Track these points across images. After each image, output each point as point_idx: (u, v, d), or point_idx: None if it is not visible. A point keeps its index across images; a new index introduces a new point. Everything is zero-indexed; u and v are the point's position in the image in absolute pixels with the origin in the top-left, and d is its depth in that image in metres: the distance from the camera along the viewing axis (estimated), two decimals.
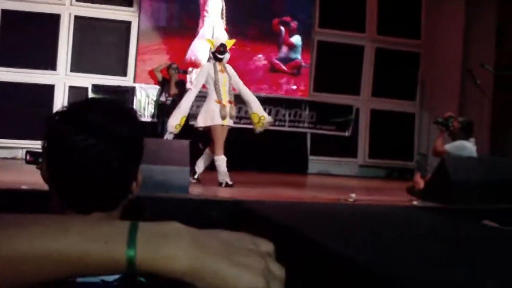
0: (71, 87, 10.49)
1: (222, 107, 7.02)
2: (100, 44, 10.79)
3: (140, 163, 1.17)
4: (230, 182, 6.94)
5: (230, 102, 7.13)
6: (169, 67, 9.43)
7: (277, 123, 10.98)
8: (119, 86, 10.57)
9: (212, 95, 7.11)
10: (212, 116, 7.02)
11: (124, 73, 10.87)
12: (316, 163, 11.88)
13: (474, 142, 7.32)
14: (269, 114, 10.91)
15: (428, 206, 6.12)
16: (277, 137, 10.88)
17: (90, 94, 9.99)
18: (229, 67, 7.35)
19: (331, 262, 3.04)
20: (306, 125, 11.67)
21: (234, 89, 7.38)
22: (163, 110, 9.16)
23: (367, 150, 12.35)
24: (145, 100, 10.52)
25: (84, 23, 10.73)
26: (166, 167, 5.42)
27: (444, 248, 3.43)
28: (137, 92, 10.53)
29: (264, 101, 10.94)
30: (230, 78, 7.24)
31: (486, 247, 3.57)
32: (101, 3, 10.82)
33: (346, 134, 11.91)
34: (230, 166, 7.11)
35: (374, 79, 12.36)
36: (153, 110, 10.31)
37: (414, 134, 12.67)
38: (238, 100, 7.74)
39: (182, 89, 9.32)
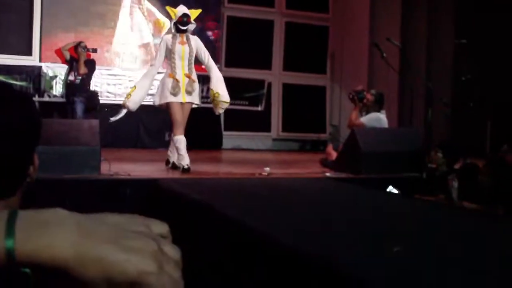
0: None
1: (175, 82, 6.41)
2: (2, 22, 10.34)
3: (36, 146, 1.14)
4: (186, 166, 6.34)
5: (187, 76, 6.50)
6: (77, 46, 9.15)
7: None
8: (24, 66, 10.20)
9: (168, 69, 6.61)
10: (165, 93, 6.47)
11: (29, 53, 10.49)
12: (230, 138, 11.93)
13: (385, 114, 7.56)
14: None
15: (340, 176, 6.29)
16: (190, 113, 10.83)
17: None
18: (194, 39, 6.70)
19: (245, 237, 3.09)
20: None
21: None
22: (72, 89, 8.92)
23: (280, 123, 12.50)
24: (52, 79, 10.22)
25: None
26: (75, 147, 5.31)
27: (350, 217, 3.55)
28: (44, 71, 10.20)
29: None
30: (192, 51, 6.57)
31: (391, 215, 3.73)
32: None
33: (259, 108, 12.00)
34: (143, 144, 6.99)
35: (285, 53, 12.47)
36: (61, 90, 10.03)
37: (326, 106, 12.91)
38: None
39: (91, 67, 9.11)
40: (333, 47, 12.78)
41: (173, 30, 6.67)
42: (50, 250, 0.60)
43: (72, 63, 9.07)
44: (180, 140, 6.41)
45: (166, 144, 7.94)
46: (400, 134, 7.52)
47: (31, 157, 1.14)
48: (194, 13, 6.71)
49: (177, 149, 6.47)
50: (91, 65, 9.16)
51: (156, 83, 7.27)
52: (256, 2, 12.04)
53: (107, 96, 10.62)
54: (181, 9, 6.64)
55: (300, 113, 12.36)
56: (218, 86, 6.70)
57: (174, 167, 6.58)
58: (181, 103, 6.47)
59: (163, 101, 6.49)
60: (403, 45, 9.43)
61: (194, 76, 6.60)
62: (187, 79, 6.48)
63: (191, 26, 6.66)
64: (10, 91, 1.12)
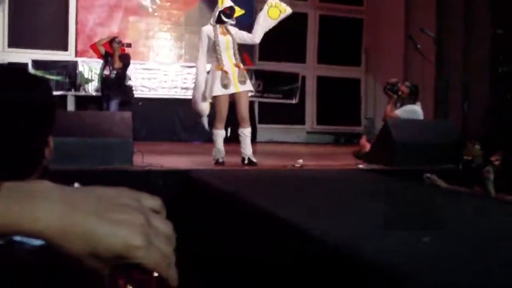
0: (10, 64, 10.21)
1: (224, 74, 6.18)
2: (38, 17, 10.50)
3: (51, 128, 1.15)
4: (221, 160, 6.27)
5: (237, 66, 6.31)
6: (112, 41, 9.24)
7: None
8: (60, 61, 10.35)
9: (214, 62, 6.37)
10: (215, 86, 6.21)
11: (65, 48, 10.64)
12: (264, 131, 11.91)
13: (420, 106, 7.46)
14: None
15: (373, 168, 6.23)
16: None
17: (31, 70, 9.74)
18: (233, 29, 6.49)
19: (277, 228, 3.07)
20: (253, 93, 11.65)
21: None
22: (107, 84, 9.02)
23: (315, 116, 12.46)
24: (88, 74, 10.34)
25: None
26: (108, 139, 5.36)
27: (384, 209, 3.49)
28: (79, 66, 10.34)
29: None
30: (235, 40, 6.39)
31: (426, 206, 3.67)
32: None
33: (293, 101, 11.96)
34: (179, 137, 6.97)
35: (319, 46, 12.44)
36: (97, 84, 10.14)
37: (361, 99, 12.85)
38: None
39: (125, 62, 9.20)
40: (367, 40, 12.69)
41: (212, 22, 6.41)
42: (33, 222, 0.58)
43: (107, 58, 9.16)
44: (221, 134, 6.33)
45: (202, 138, 7.91)
46: (435, 126, 7.41)
47: (46, 139, 1.15)
48: (238, 11, 6.55)
49: (214, 142, 6.34)
50: (125, 59, 9.24)
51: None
52: None
53: (142, 90, 10.71)
54: (228, 2, 6.44)
55: (334, 106, 12.31)
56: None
57: (251, 162, 6.30)
58: (234, 94, 6.26)
59: (213, 94, 6.24)
60: (438, 36, 9.28)
61: (242, 65, 6.47)
62: (237, 69, 6.30)
63: (231, 22, 6.46)
64: (26, 74, 1.15)
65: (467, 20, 10.64)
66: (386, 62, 11.86)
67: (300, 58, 12.32)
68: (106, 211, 0.61)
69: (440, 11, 10.73)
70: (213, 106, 6.41)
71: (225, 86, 6.18)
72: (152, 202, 0.66)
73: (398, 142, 6.32)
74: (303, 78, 12.20)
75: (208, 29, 6.40)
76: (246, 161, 6.27)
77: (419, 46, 8.05)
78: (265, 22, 6.69)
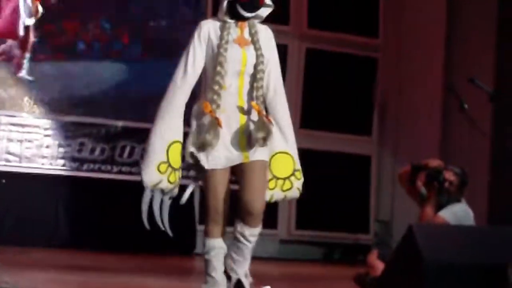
0: None
1: (214, 123, 5.19)
2: None
3: None
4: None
5: (259, 113, 5.32)
6: None
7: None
8: None
9: (202, 95, 5.42)
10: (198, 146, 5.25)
11: None
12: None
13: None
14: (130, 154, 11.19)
15: None
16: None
17: None
18: (265, 35, 5.52)
19: None
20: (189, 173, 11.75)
21: None
22: None
23: (293, 217, 12.49)
24: None
25: None
26: None
27: None
28: None
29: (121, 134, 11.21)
30: (261, 58, 5.39)
31: None
32: None
33: None
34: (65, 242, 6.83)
35: (303, 103, 12.54)
36: None
37: (370, 188, 12.94)
38: None
39: None
40: (384, 92, 12.90)
41: (221, 15, 5.42)
42: None
43: None
44: (218, 248, 5.45)
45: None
46: (489, 236, 7.53)
47: None
48: None
49: (206, 265, 5.44)
50: None
51: None
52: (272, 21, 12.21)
53: (7, 160, 10.75)
54: None
55: (325, 200, 12.35)
56: (294, 152, 5.75)
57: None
58: (240, 166, 5.36)
59: (203, 164, 5.26)
60: (496, 92, 9.51)
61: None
62: (249, 115, 5.37)
63: (263, 12, 5.51)
64: None
65: None
66: (411, 129, 12.05)
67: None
68: None
69: (500, 53, 10.99)
70: (200, 190, 5.68)
71: (218, 148, 5.23)
72: None
73: (430, 263, 6.39)
74: None
75: (209, 27, 5.43)
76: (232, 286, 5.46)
77: (466, 105, 8.29)
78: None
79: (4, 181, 9.88)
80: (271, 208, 11.94)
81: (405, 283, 6.51)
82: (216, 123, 5.16)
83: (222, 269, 5.39)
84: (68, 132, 11.33)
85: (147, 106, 11.34)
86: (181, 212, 11.21)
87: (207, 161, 5.21)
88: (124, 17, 12.10)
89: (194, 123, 5.30)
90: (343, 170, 12.63)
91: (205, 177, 5.30)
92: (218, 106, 5.22)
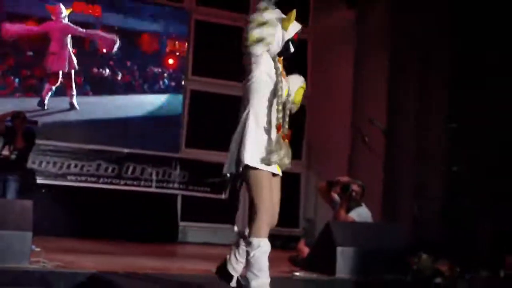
0: None
1: (277, 141, 4.34)
2: None
3: None
4: None
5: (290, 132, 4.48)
6: (15, 116, 9.02)
7: (142, 183, 11.13)
8: None
9: (262, 117, 4.38)
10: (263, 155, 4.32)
11: None
12: (187, 230, 11.91)
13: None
14: (133, 171, 11.12)
15: (310, 277, 6.30)
16: (143, 199, 11.02)
17: None
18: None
19: None
20: (176, 185, 11.72)
21: None
22: (5, 165, 8.74)
23: (247, 216, 12.48)
24: None
25: None
26: (2, 231, 5.28)
27: None
28: None
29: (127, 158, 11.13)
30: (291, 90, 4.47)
31: None
32: None
33: (223, 196, 12.03)
34: (86, 233, 6.85)
35: None
36: None
37: (300, 197, 13.02)
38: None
39: (30, 141, 9.04)
40: (310, 129, 12.99)
41: (270, 51, 4.29)
42: None
43: (8, 136, 8.90)
44: (265, 248, 4.25)
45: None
46: (383, 230, 7.57)
47: None
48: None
49: (250, 265, 4.23)
50: (30, 138, 9.06)
51: None
52: (221, 76, 12.22)
53: (47, 176, 10.69)
54: (297, 24, 4.35)
55: None
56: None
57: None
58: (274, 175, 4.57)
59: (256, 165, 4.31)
60: (389, 127, 9.60)
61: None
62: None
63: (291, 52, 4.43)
64: None
65: (422, 110, 10.93)
66: (329, 155, 12.13)
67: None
68: None
69: (391, 101, 11.07)
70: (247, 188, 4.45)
71: (275, 161, 4.37)
72: None
73: (340, 247, 6.42)
74: None
75: (268, 60, 4.30)
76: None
77: (367, 138, 8.37)
78: None
79: (43, 190, 9.79)
80: (232, 209, 12.04)
81: (324, 263, 6.54)
82: (281, 139, 4.34)
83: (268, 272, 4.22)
84: (90, 156, 11.33)
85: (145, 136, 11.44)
86: (167, 212, 11.44)
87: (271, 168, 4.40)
88: None
89: (253, 134, 4.36)
90: (282, 183, 12.62)
91: (262, 181, 4.34)
92: (280, 123, 4.34)
